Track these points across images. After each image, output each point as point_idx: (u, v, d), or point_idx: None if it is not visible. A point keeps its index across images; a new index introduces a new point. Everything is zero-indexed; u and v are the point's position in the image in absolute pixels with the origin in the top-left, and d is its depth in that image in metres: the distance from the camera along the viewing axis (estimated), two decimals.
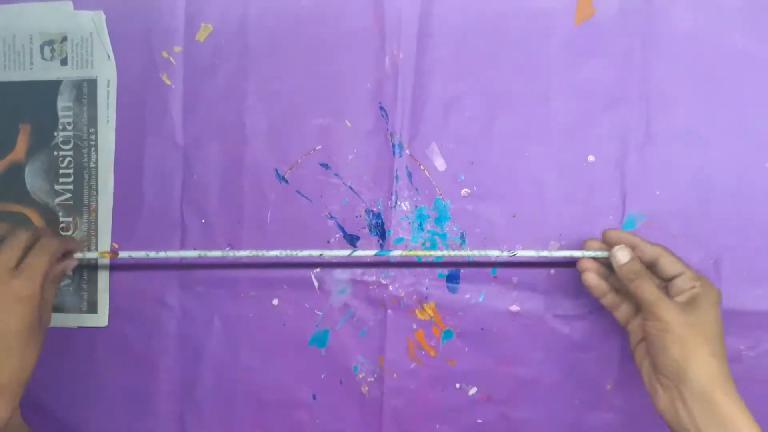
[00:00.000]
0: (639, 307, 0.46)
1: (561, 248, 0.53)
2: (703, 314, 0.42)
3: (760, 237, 0.52)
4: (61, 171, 0.58)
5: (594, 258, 0.49)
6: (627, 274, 0.45)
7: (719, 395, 0.41)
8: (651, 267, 0.47)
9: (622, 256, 0.46)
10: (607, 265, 0.49)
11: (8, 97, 0.58)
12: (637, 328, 0.47)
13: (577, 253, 0.49)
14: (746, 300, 0.52)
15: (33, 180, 0.58)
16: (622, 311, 0.48)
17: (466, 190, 0.54)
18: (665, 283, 0.46)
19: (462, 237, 0.54)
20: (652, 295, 0.43)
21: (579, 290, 0.53)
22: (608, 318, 0.53)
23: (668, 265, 0.46)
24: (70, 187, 0.58)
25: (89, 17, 0.57)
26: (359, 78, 0.55)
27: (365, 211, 0.55)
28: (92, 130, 0.58)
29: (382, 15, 0.54)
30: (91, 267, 0.58)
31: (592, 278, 0.48)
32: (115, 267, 0.58)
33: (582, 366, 0.54)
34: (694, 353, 0.41)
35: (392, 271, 0.55)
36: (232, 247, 0.56)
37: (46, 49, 0.58)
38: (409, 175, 0.54)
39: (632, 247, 0.47)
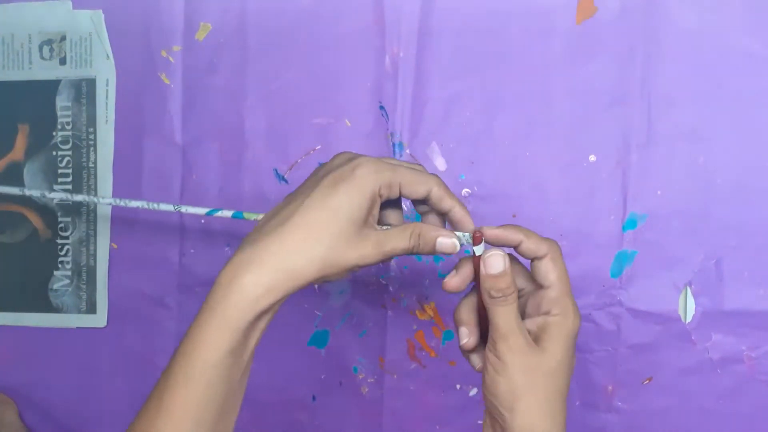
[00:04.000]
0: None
1: (561, 248, 0.53)
2: (550, 354, 0.36)
3: (761, 237, 0.51)
4: (60, 171, 0.58)
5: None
6: (489, 289, 0.36)
7: None
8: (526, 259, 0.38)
9: (496, 264, 0.36)
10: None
11: (7, 97, 0.58)
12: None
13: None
14: (747, 300, 0.52)
15: (32, 180, 0.58)
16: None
17: (467, 189, 0.54)
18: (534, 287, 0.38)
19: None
20: (506, 325, 0.36)
21: (580, 290, 0.53)
22: (608, 319, 0.53)
23: (547, 272, 0.37)
24: (69, 187, 0.58)
25: (88, 16, 0.57)
26: (359, 77, 0.54)
27: None
28: (91, 129, 0.57)
29: (382, 14, 0.54)
30: (91, 268, 0.58)
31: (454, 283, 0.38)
32: (114, 267, 0.58)
33: (582, 367, 0.53)
34: (523, 408, 0.36)
35: (392, 271, 0.55)
36: (231, 247, 0.56)
37: (45, 48, 0.58)
38: None
39: (517, 243, 0.37)
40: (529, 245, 0.37)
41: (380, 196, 0.36)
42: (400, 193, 0.37)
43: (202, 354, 0.33)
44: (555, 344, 0.36)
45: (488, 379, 0.37)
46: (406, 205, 0.53)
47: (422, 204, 0.39)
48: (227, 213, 0.47)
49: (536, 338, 0.37)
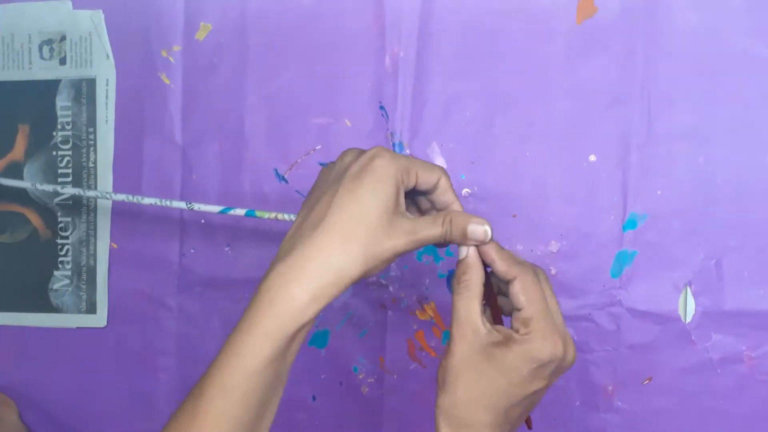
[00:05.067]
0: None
1: (561, 249, 0.53)
2: (499, 362, 0.35)
3: (761, 237, 0.51)
4: (60, 171, 0.58)
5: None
6: (459, 274, 0.37)
7: None
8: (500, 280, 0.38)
9: (462, 249, 0.37)
10: None
11: (7, 97, 0.58)
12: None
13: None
14: (747, 300, 0.52)
15: (32, 180, 0.58)
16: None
17: (467, 189, 0.54)
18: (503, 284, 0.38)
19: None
20: (460, 314, 0.36)
21: (580, 290, 0.53)
22: (608, 319, 0.53)
23: (516, 294, 0.36)
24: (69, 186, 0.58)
25: (88, 16, 0.57)
26: (359, 77, 0.54)
27: None
28: (91, 129, 0.57)
29: (383, 14, 0.54)
30: (90, 268, 0.58)
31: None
32: (114, 267, 0.58)
33: (582, 367, 0.53)
34: (456, 387, 0.35)
35: (392, 271, 0.55)
36: (231, 247, 0.56)
37: (45, 48, 0.58)
38: None
39: (490, 262, 0.37)
40: (500, 266, 0.37)
41: (402, 183, 0.35)
42: (416, 182, 0.36)
43: (240, 364, 0.33)
44: (507, 355, 0.35)
45: (441, 364, 0.37)
46: None
47: (423, 196, 0.39)
48: (240, 211, 0.47)
49: (496, 346, 0.36)
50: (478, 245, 0.37)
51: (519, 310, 0.36)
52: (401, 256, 0.36)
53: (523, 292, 0.36)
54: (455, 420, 0.36)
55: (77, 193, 0.53)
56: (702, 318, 0.52)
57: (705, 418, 0.53)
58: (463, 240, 0.36)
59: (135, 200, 0.50)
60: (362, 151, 0.36)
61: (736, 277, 0.52)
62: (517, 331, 0.36)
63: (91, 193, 0.53)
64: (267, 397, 0.34)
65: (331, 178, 0.36)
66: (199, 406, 0.33)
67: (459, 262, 0.37)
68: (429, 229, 0.36)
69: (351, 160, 0.36)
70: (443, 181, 0.37)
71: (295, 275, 0.33)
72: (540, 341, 0.35)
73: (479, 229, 0.36)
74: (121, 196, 0.51)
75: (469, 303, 0.36)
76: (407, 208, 0.38)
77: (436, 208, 0.38)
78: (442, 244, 0.37)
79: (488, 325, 0.37)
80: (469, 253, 0.37)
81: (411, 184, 0.36)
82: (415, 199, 0.39)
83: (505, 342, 0.36)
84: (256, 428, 0.34)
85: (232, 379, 0.33)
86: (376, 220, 0.34)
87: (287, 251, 0.34)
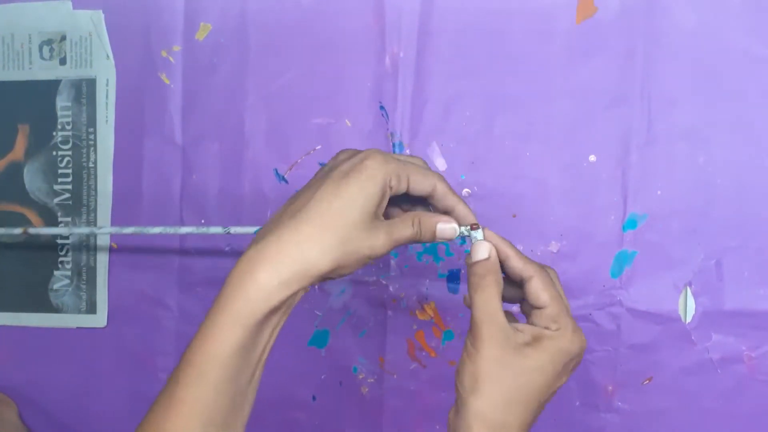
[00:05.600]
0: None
1: (561, 249, 0.53)
2: (530, 360, 0.35)
3: (761, 237, 0.51)
4: (60, 171, 0.58)
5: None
6: (472, 276, 0.37)
7: None
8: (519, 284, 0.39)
9: (481, 251, 0.37)
10: None
11: (7, 97, 0.58)
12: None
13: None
14: (747, 300, 0.52)
15: (32, 180, 0.58)
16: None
17: (467, 190, 0.54)
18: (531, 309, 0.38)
19: (462, 238, 0.54)
20: (485, 311, 0.36)
21: (580, 290, 0.53)
22: (608, 319, 0.53)
23: (537, 292, 0.37)
24: (69, 187, 0.58)
25: (88, 16, 0.57)
26: (359, 77, 0.54)
27: None
28: (91, 129, 0.57)
29: (383, 14, 0.54)
30: (90, 268, 0.58)
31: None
32: (114, 267, 0.58)
33: (582, 367, 0.53)
34: (483, 393, 0.35)
35: (392, 272, 0.55)
36: (231, 248, 0.56)
37: (45, 48, 0.58)
38: None
39: (504, 258, 0.38)
40: (516, 263, 0.37)
41: (390, 187, 0.36)
42: (408, 187, 0.37)
43: (211, 350, 0.33)
44: (541, 353, 0.36)
45: (459, 364, 0.36)
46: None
47: (424, 202, 0.39)
48: None
49: (526, 345, 0.36)
50: (449, 242, 0.38)
51: (541, 308, 0.37)
52: (377, 259, 0.36)
53: (545, 289, 0.37)
54: (491, 423, 0.35)
55: (114, 232, 0.53)
56: (702, 318, 0.52)
57: (705, 418, 0.53)
58: (433, 239, 0.37)
59: (171, 231, 0.51)
60: (357, 152, 0.37)
61: (736, 277, 0.52)
62: (547, 328, 0.36)
63: (155, 230, 0.52)
64: (240, 387, 0.34)
65: (322, 174, 0.37)
66: (175, 393, 0.33)
67: (477, 262, 0.37)
68: (402, 230, 0.36)
69: (344, 159, 0.36)
70: (440, 187, 0.37)
71: (264, 261, 0.33)
72: (570, 335, 0.36)
73: (447, 227, 0.37)
74: (157, 229, 0.51)
75: (493, 302, 0.36)
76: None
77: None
78: (417, 241, 0.37)
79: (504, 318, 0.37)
80: (491, 253, 0.37)
81: (401, 189, 0.36)
82: (415, 206, 0.40)
83: (538, 339, 0.36)
84: (232, 420, 0.34)
85: (203, 367, 0.33)
86: (355, 217, 0.34)
87: (261, 237, 0.35)
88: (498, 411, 0.35)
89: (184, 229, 0.50)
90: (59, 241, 0.58)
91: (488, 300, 0.36)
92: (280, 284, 0.33)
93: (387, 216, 0.39)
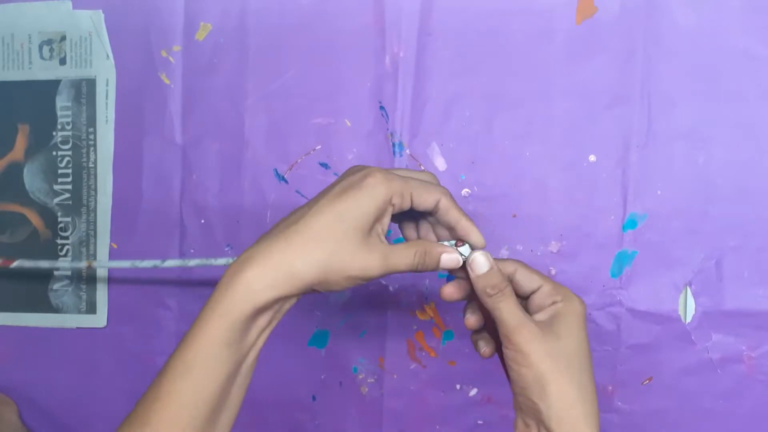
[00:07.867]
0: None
1: (561, 249, 0.53)
2: (566, 337, 0.37)
3: (761, 237, 0.51)
4: (59, 171, 0.58)
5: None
6: (484, 288, 0.37)
7: None
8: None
9: (481, 263, 0.38)
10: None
11: (7, 97, 0.58)
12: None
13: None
14: (748, 300, 0.52)
15: (32, 180, 0.58)
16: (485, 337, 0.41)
17: (467, 190, 0.54)
18: (523, 300, 0.39)
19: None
20: (512, 318, 0.37)
21: (580, 290, 0.53)
22: (608, 319, 0.53)
23: (524, 280, 0.39)
24: (69, 187, 0.58)
25: (88, 16, 0.57)
26: (359, 77, 0.54)
27: None
28: (91, 129, 0.57)
29: (383, 14, 0.54)
30: (91, 268, 0.58)
31: (450, 293, 0.40)
32: (114, 267, 0.58)
33: None
34: (554, 394, 0.36)
35: None
36: (232, 247, 0.56)
37: (45, 48, 0.58)
38: None
39: (512, 271, 0.39)
40: (524, 273, 0.39)
41: (392, 205, 0.36)
42: (411, 203, 0.37)
43: (198, 345, 0.34)
44: (569, 327, 0.37)
45: (513, 375, 0.37)
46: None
47: (429, 216, 0.39)
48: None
49: (548, 327, 0.37)
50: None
51: (535, 290, 0.39)
52: (369, 281, 0.36)
53: (532, 272, 0.39)
54: (577, 411, 0.36)
55: (157, 265, 0.54)
56: (702, 318, 0.52)
57: (705, 418, 0.53)
58: (437, 268, 0.38)
59: (161, 264, 0.53)
60: (364, 167, 0.37)
61: (736, 277, 0.52)
62: (555, 303, 0.38)
63: (170, 263, 0.54)
64: (226, 384, 0.35)
65: (325, 189, 0.37)
66: (162, 386, 0.34)
67: (481, 275, 0.37)
68: (401, 258, 0.37)
69: (348, 175, 0.37)
70: (444, 202, 0.38)
71: (253, 263, 0.34)
72: (574, 297, 0.38)
73: (452, 258, 0.38)
74: (173, 262, 0.54)
75: (517, 308, 0.37)
76: (408, 231, 0.40)
77: (444, 227, 0.39)
78: (416, 271, 0.38)
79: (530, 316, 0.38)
80: (491, 262, 0.38)
81: (405, 206, 0.37)
82: (419, 222, 0.40)
83: (556, 316, 0.38)
84: (218, 416, 0.35)
85: (191, 361, 0.34)
86: (345, 234, 0.35)
87: (256, 243, 0.36)
88: (576, 402, 0.36)
89: (192, 262, 0.53)
90: (59, 241, 0.58)
91: (512, 309, 0.37)
92: (266, 286, 0.34)
93: (404, 234, 0.40)
